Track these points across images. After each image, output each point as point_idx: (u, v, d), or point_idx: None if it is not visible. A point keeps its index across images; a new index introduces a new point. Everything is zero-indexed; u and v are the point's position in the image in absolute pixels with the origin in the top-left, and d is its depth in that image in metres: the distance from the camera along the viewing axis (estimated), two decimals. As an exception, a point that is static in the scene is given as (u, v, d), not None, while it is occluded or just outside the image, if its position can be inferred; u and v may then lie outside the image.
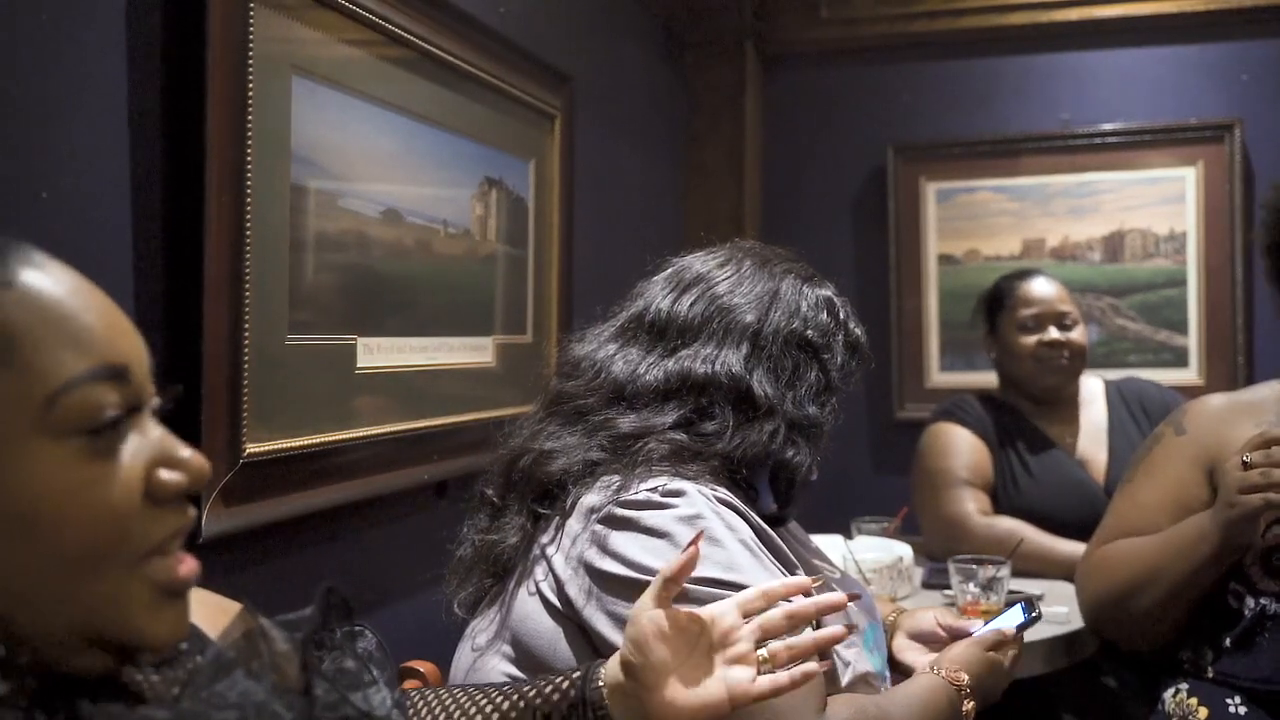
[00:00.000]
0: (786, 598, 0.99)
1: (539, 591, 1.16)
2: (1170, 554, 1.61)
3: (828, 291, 1.33)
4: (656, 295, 1.29)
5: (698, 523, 1.11)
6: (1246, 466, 1.50)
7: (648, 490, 1.14)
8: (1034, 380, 2.49)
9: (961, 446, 2.45)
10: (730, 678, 0.94)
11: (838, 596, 0.99)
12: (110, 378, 0.66)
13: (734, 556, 1.10)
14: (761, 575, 1.10)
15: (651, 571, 1.08)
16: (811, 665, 0.95)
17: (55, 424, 0.63)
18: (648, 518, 1.12)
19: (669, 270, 1.33)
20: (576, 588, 1.13)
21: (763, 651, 0.97)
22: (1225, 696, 1.57)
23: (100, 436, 0.65)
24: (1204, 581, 1.60)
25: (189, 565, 0.69)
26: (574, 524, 1.16)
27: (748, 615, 0.98)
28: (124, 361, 0.67)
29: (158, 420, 0.71)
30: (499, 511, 1.24)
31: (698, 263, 1.32)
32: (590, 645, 1.12)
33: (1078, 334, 2.49)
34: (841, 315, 1.33)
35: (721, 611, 0.97)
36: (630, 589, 1.08)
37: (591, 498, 1.16)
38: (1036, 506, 2.36)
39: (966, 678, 1.27)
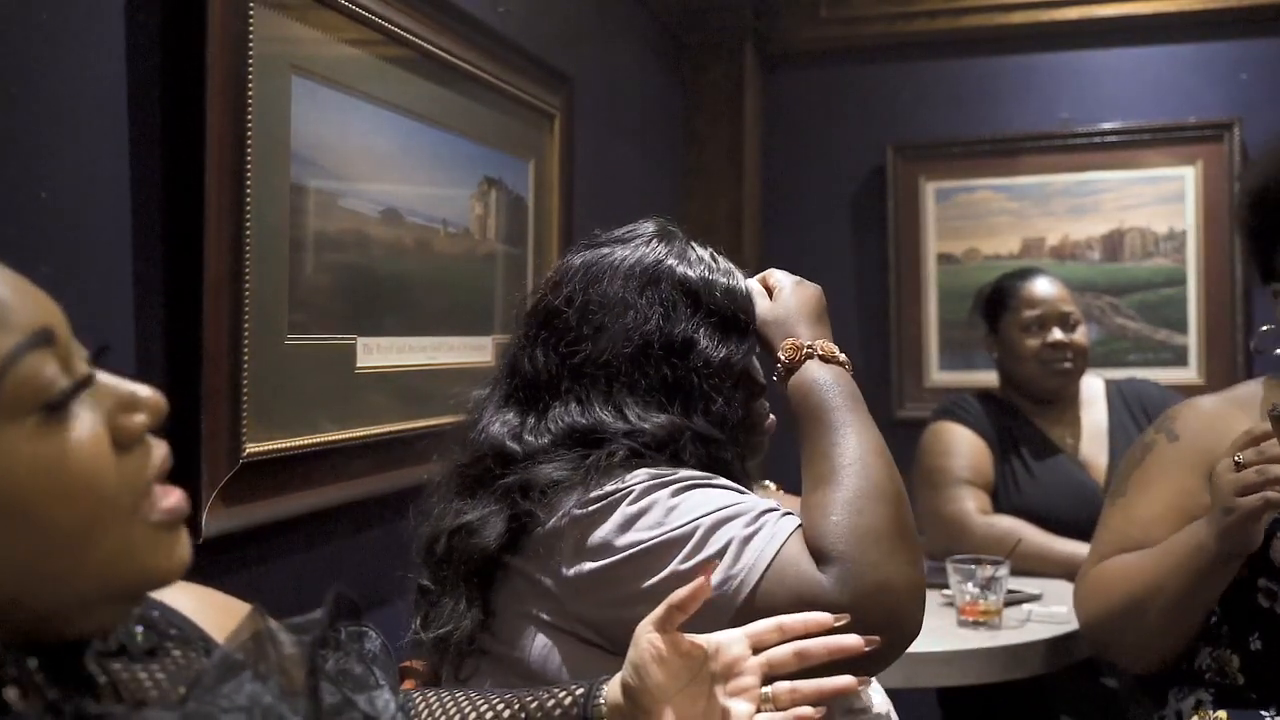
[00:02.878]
0: (805, 634, 0.94)
1: (540, 622, 1.12)
2: (1167, 567, 1.51)
3: (680, 270, 1.18)
4: (518, 350, 1.20)
5: (670, 480, 1.07)
6: (1239, 467, 1.40)
7: (612, 484, 1.08)
8: (1038, 382, 2.49)
9: (962, 446, 2.45)
10: (730, 711, 0.91)
11: (853, 640, 0.93)
12: (41, 343, 0.64)
13: (722, 496, 1.06)
14: (754, 498, 1.08)
15: (638, 544, 1.04)
16: (808, 710, 0.90)
17: (6, 406, 0.62)
18: (621, 500, 1.07)
19: (523, 313, 1.24)
20: (579, 602, 1.09)
21: (767, 689, 0.93)
22: (1261, 710, 1.46)
23: (55, 409, 0.64)
24: (1211, 592, 1.50)
25: (175, 496, 0.69)
26: (557, 543, 1.10)
27: (758, 648, 0.94)
28: (46, 324, 0.66)
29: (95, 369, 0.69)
30: (436, 600, 1.16)
31: (544, 299, 1.21)
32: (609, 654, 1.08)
33: (1080, 334, 2.49)
34: (704, 295, 1.17)
35: (729, 641, 0.93)
36: (629, 569, 1.05)
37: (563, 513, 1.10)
38: (1037, 507, 2.36)
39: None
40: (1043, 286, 2.51)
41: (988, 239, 3.26)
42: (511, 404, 1.18)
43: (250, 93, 1.33)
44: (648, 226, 1.25)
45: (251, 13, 1.33)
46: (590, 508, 1.08)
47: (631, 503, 1.07)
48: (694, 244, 1.24)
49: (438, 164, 1.83)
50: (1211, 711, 1.48)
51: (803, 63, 3.40)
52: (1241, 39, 3.09)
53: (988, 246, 3.26)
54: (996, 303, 2.56)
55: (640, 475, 1.09)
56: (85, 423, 0.65)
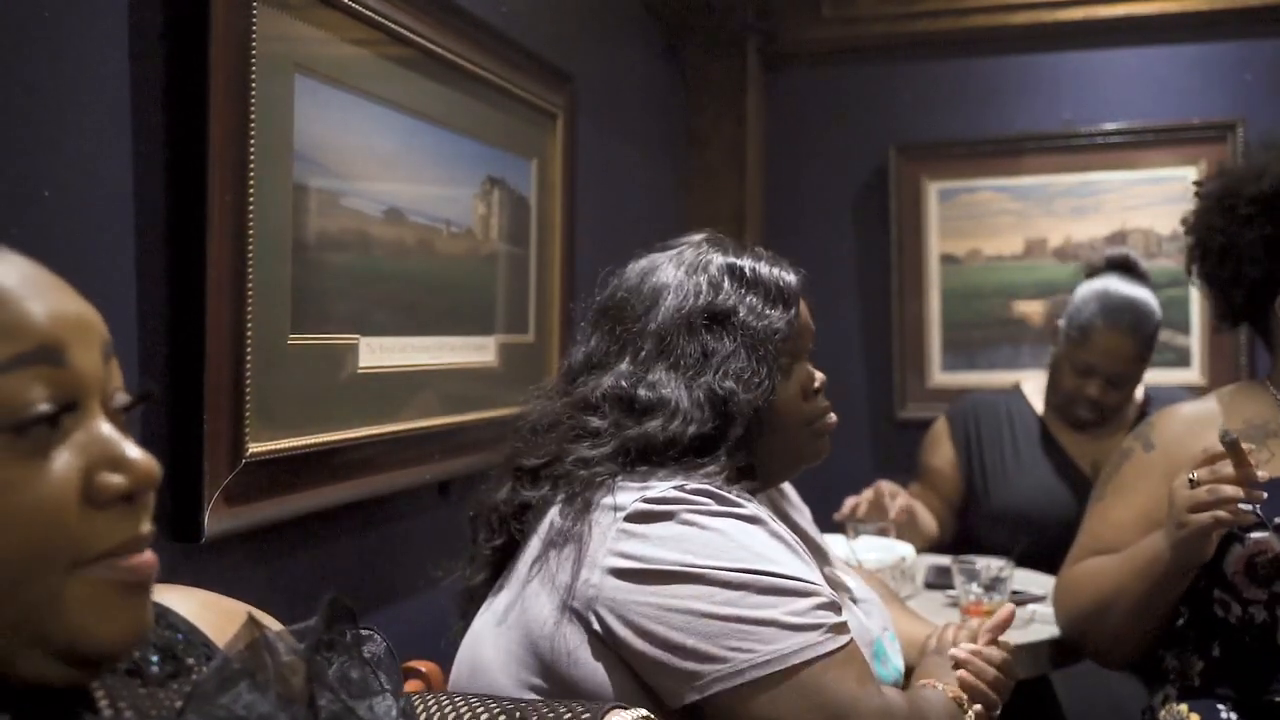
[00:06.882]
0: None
1: (575, 618, 1.14)
2: (1128, 573, 1.61)
3: (727, 259, 1.30)
4: (580, 341, 1.33)
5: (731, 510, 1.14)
6: (1193, 484, 1.48)
7: (673, 488, 1.14)
8: (1059, 411, 2.47)
9: (929, 442, 2.61)
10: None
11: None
12: (38, 361, 0.61)
13: (785, 553, 1.15)
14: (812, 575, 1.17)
15: (684, 563, 1.09)
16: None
17: None
18: (681, 513, 1.13)
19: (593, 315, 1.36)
20: (609, 603, 1.12)
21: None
22: (1217, 703, 1.56)
23: (26, 434, 0.60)
24: (1167, 599, 1.59)
25: (143, 559, 0.64)
26: (597, 531, 1.15)
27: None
28: (58, 345, 0.62)
29: (121, 418, 0.66)
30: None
31: (603, 297, 1.33)
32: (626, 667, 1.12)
33: (1124, 393, 2.37)
34: (749, 274, 1.28)
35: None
36: (660, 580, 1.10)
37: (612, 501, 1.16)
38: (1020, 503, 2.43)
39: (966, 699, 1.30)
40: (1113, 341, 2.31)
41: (990, 239, 3.26)
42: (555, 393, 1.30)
43: (253, 91, 1.33)
44: (695, 236, 1.36)
45: (255, 11, 1.33)
46: (650, 506, 1.13)
47: (684, 521, 1.12)
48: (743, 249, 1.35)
49: (440, 163, 1.83)
50: (1175, 704, 1.60)
51: (805, 62, 3.40)
52: (1245, 39, 3.09)
53: (990, 247, 3.26)
54: (1076, 317, 2.38)
55: (697, 488, 1.14)
56: (59, 462, 0.62)
